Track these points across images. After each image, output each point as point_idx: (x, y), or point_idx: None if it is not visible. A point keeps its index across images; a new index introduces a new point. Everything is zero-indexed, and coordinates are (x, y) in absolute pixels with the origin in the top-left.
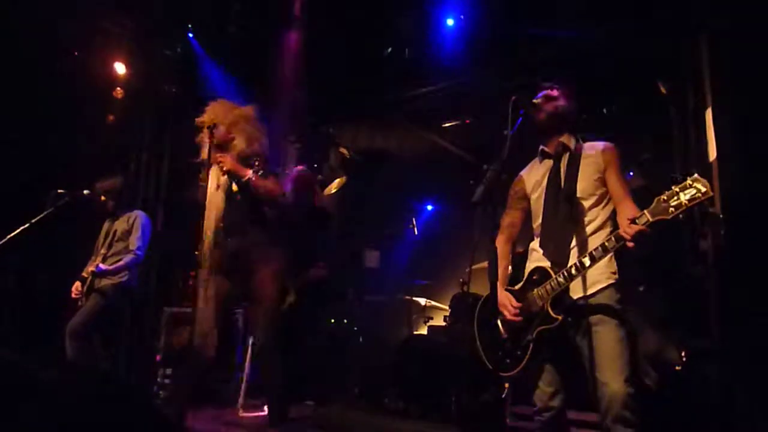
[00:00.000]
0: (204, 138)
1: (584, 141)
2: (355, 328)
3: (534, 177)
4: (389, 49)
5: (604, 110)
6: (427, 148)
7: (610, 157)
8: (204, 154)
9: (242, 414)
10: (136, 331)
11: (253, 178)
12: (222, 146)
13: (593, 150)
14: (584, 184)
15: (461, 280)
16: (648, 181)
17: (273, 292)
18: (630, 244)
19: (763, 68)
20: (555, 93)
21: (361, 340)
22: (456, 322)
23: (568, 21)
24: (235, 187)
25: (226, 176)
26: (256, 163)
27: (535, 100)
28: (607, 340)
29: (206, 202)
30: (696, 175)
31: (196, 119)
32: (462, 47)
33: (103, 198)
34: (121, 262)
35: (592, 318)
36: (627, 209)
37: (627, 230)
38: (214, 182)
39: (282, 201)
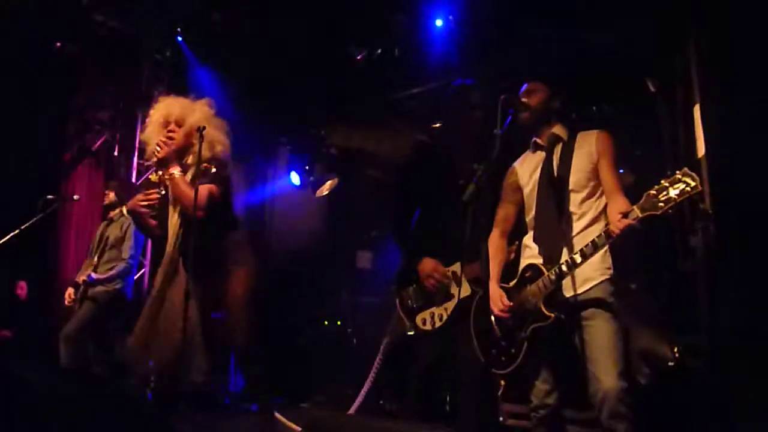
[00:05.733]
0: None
1: (578, 131)
2: (349, 330)
3: (527, 169)
4: (379, 50)
5: (594, 108)
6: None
7: (603, 147)
8: (190, 159)
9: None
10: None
11: (176, 175)
12: (179, 152)
13: (586, 139)
14: (577, 176)
15: None
16: (638, 178)
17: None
18: (617, 235)
19: (751, 64)
20: (536, 86)
21: (354, 341)
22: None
23: (557, 21)
24: (154, 177)
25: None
26: (213, 170)
27: (522, 99)
28: (600, 333)
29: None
30: (686, 169)
31: (151, 117)
32: (451, 48)
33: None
34: (113, 271)
35: (585, 313)
36: (617, 203)
37: (616, 226)
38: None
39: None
